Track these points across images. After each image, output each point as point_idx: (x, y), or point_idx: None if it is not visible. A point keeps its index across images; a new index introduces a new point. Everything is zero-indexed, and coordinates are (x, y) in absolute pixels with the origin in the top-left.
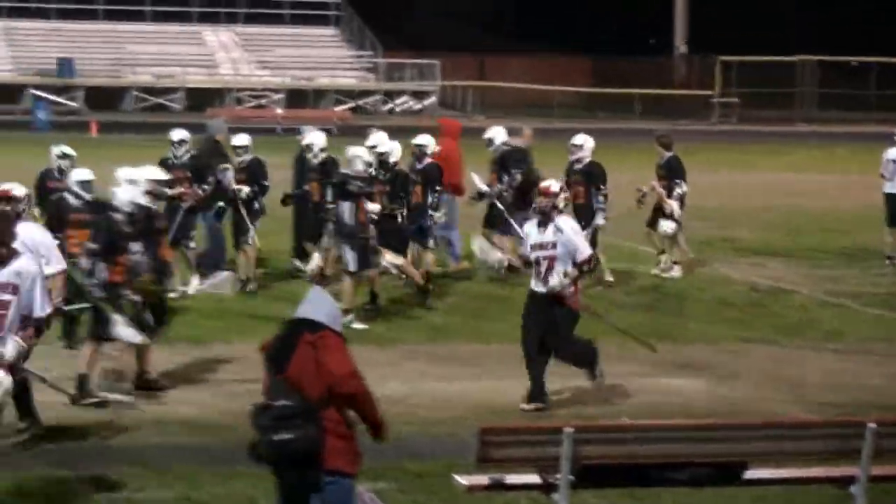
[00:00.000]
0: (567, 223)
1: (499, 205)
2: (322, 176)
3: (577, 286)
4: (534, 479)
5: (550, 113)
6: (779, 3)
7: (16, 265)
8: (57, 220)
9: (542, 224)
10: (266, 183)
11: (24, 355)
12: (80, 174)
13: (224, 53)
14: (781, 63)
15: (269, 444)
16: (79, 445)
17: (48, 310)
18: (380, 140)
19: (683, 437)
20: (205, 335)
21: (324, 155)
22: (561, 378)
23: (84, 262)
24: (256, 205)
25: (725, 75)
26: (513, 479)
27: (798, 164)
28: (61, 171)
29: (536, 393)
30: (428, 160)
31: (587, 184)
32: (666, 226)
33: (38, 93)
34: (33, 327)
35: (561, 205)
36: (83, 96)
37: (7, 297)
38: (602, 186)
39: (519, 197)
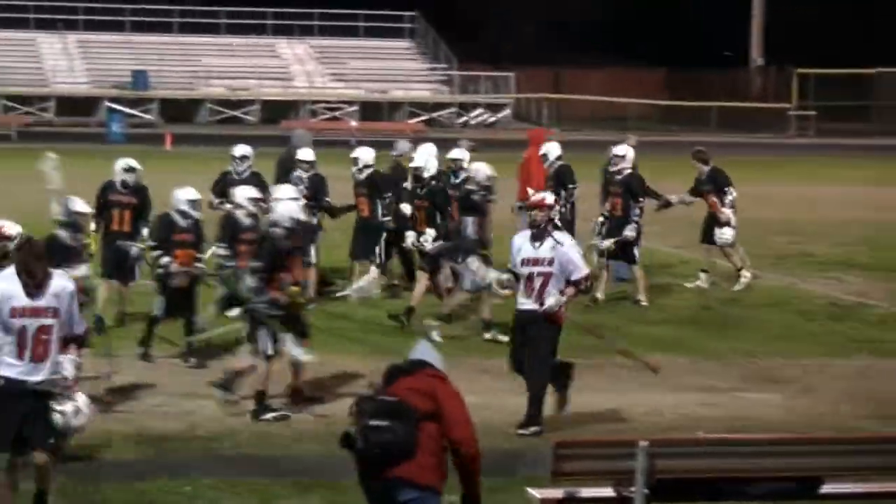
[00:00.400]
0: (566, 238)
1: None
2: (369, 191)
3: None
4: (608, 492)
5: (625, 126)
6: (856, 15)
7: (52, 287)
8: (164, 239)
9: (537, 238)
10: (327, 199)
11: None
12: (187, 193)
13: (299, 66)
14: (859, 76)
15: (364, 429)
16: (155, 456)
17: (84, 325)
18: (462, 155)
19: (759, 452)
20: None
21: (369, 171)
22: (635, 391)
23: (250, 281)
24: (315, 220)
25: (802, 88)
26: (587, 492)
27: (876, 178)
28: (125, 185)
29: (534, 415)
30: (463, 175)
31: (626, 195)
32: (724, 234)
33: (113, 105)
34: (77, 346)
35: (556, 218)
36: (158, 109)
37: (49, 321)
38: (641, 199)
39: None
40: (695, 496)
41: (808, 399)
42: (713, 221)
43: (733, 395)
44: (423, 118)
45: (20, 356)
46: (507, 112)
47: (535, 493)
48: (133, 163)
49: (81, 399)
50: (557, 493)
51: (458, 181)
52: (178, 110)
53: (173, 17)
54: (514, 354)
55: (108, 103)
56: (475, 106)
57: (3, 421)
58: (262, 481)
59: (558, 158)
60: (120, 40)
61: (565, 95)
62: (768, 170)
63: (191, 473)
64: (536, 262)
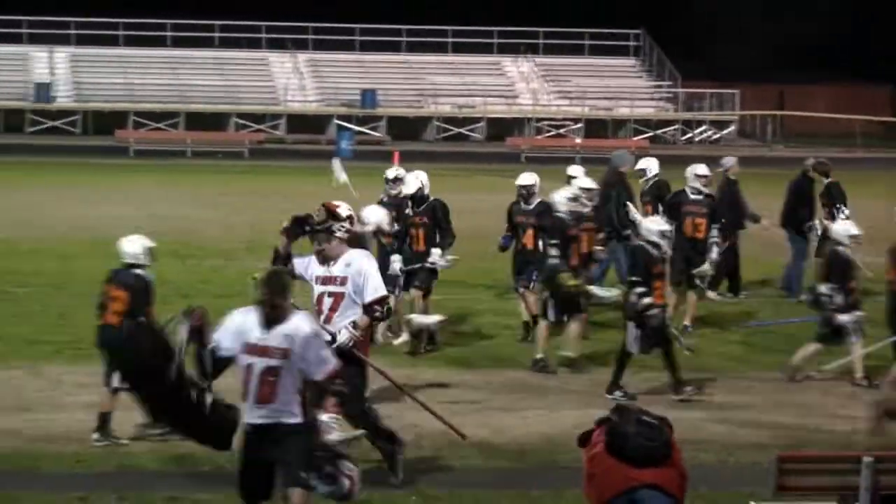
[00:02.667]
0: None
1: None
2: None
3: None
4: None
5: (852, 143)
6: None
7: (287, 327)
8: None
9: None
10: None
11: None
12: (583, 182)
13: (524, 84)
14: None
15: (639, 425)
16: (379, 465)
17: (329, 366)
18: (532, 180)
19: None
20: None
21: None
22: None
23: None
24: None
25: None
26: None
27: None
28: (388, 195)
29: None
30: (538, 199)
31: (711, 216)
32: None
33: (342, 123)
34: (333, 396)
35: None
36: (385, 126)
37: (275, 362)
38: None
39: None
40: None
41: None
42: (823, 237)
43: None
44: (647, 135)
45: (247, 397)
46: (731, 129)
47: None
48: (401, 172)
49: (347, 468)
50: None
51: (530, 208)
52: (406, 128)
53: (401, 37)
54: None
55: (337, 121)
56: (699, 123)
57: (247, 474)
58: (484, 493)
59: (655, 175)
60: (349, 59)
61: (790, 112)
62: None
63: (416, 484)
64: (329, 280)
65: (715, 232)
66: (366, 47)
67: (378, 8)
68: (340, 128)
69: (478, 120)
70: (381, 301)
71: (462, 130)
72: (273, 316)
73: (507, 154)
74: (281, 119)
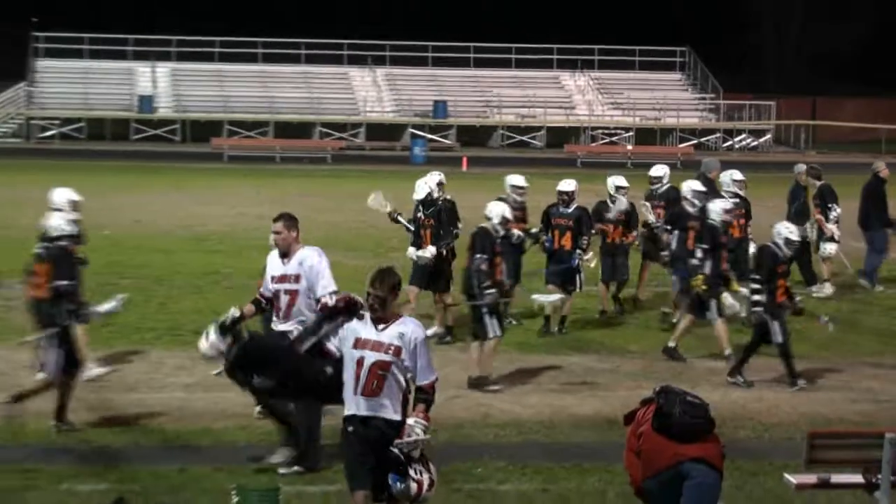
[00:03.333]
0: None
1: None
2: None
3: None
4: (857, 479)
5: (878, 149)
6: None
7: (402, 328)
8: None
9: (285, 255)
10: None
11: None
12: (694, 185)
13: (580, 96)
14: None
15: (685, 404)
16: (450, 441)
17: (433, 376)
18: (619, 182)
19: None
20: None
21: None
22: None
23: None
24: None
25: None
26: (838, 478)
27: None
28: (515, 201)
29: (298, 446)
30: (575, 205)
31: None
32: (826, 248)
33: (416, 132)
34: (424, 406)
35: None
36: (455, 134)
37: (388, 358)
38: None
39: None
40: None
41: None
42: (821, 235)
43: None
44: (691, 143)
45: (353, 389)
46: (768, 137)
47: (792, 478)
48: (443, 178)
49: (426, 476)
50: (811, 478)
51: (569, 211)
52: (473, 136)
53: (469, 54)
54: None
55: (411, 129)
56: (739, 132)
57: (356, 461)
58: (545, 465)
59: (668, 183)
60: (422, 74)
61: (821, 122)
62: None
63: (482, 457)
64: (283, 279)
65: (749, 229)
66: (437, 63)
67: (449, 26)
68: (414, 136)
69: (538, 129)
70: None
71: (524, 138)
72: (382, 314)
73: (564, 160)
74: (360, 128)
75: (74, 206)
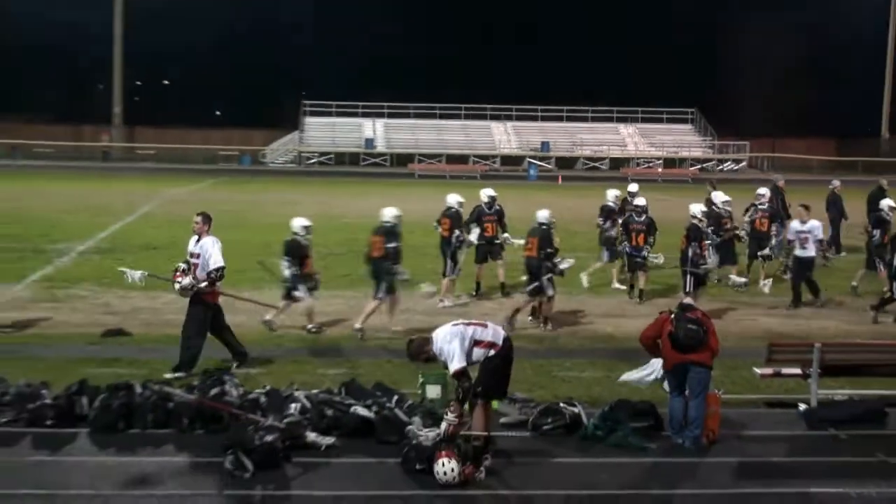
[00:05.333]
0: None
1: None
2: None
3: (215, 288)
4: (798, 371)
5: (810, 171)
6: None
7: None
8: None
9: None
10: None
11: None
12: (721, 196)
13: (629, 138)
14: None
15: (686, 327)
16: (550, 346)
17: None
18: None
19: (880, 349)
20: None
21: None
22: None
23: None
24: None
25: None
26: (786, 370)
27: None
28: (490, 206)
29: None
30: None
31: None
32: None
33: (530, 160)
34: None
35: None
36: (554, 162)
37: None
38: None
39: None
40: (848, 374)
41: None
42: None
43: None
44: (696, 167)
45: None
46: (744, 164)
47: (757, 370)
48: (493, 192)
49: (447, 457)
50: (769, 370)
51: (642, 219)
52: (565, 162)
53: (562, 112)
54: None
55: (528, 159)
56: (726, 160)
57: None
58: (608, 361)
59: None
60: (534, 125)
61: (778, 154)
62: None
63: (573, 357)
64: (192, 255)
65: (774, 227)
66: (544, 118)
67: (552, 95)
68: (529, 162)
69: (603, 158)
70: (217, 270)
71: (596, 164)
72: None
73: (620, 178)
74: (497, 157)
75: (397, 218)
